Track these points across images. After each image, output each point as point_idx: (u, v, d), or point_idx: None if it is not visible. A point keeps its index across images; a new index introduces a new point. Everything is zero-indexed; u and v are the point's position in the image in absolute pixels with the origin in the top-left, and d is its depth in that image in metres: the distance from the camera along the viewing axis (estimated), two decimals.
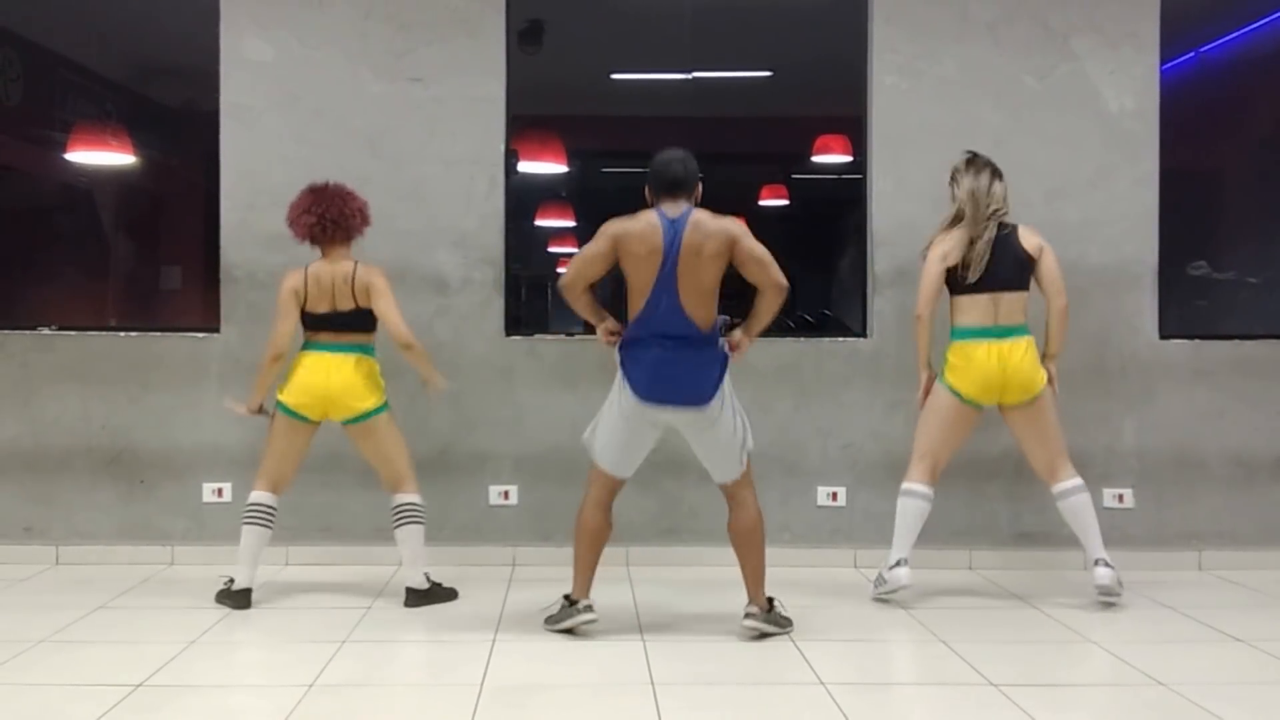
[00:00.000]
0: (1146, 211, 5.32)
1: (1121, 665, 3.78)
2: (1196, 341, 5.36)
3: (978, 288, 4.46)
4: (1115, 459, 5.32)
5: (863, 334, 5.40)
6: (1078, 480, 4.52)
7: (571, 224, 6.31)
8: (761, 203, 6.55)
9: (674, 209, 3.93)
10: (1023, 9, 5.32)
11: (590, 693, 3.49)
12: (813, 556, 5.20)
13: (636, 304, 3.97)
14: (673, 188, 3.96)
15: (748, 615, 4.04)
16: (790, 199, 6.56)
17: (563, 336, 5.39)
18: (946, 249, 4.50)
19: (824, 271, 6.68)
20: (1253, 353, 5.36)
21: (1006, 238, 4.48)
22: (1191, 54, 6.09)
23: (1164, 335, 5.34)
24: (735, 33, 5.80)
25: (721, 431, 3.99)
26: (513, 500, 5.31)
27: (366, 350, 4.46)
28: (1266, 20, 5.96)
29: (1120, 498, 5.31)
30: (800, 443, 5.30)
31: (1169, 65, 5.39)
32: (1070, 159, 5.32)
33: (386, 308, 4.39)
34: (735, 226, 3.92)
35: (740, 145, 6.45)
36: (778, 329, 6.31)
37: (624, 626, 4.18)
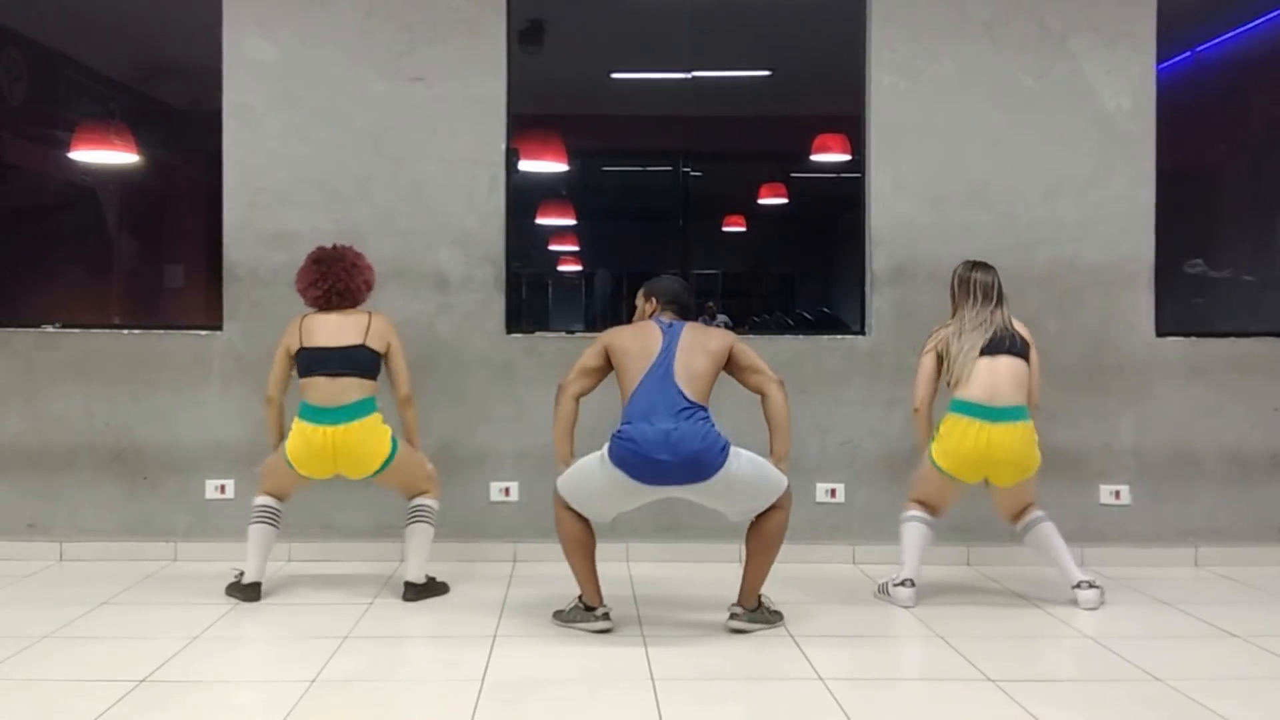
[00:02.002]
0: (1143, 210, 5.35)
1: (1118, 661, 3.81)
2: (1193, 339, 5.39)
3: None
4: (1112, 456, 5.35)
5: (861, 332, 5.42)
6: (1040, 511, 4.47)
7: (572, 222, 6.32)
8: (761, 201, 6.56)
9: (671, 319, 4.14)
10: (1020, 8, 5.34)
11: (591, 688, 3.51)
12: (812, 553, 5.24)
13: (629, 388, 3.98)
14: (677, 304, 4.19)
15: (733, 616, 4.07)
16: (789, 197, 6.57)
17: (563, 334, 5.42)
18: (940, 340, 4.48)
19: (822, 269, 6.71)
20: (1249, 350, 5.39)
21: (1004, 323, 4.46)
22: (1188, 53, 6.10)
23: (1160, 333, 5.37)
24: (735, 32, 5.82)
25: (740, 477, 3.91)
26: (513, 497, 5.34)
27: (368, 408, 4.36)
28: (1262, 20, 5.97)
29: (1117, 494, 5.34)
30: (799, 439, 5.30)
31: (1165, 65, 5.41)
32: (1067, 158, 5.34)
33: (402, 364, 4.48)
34: (732, 335, 4.15)
35: (739, 144, 6.46)
36: (777, 327, 6.40)
37: (624, 622, 4.20)
